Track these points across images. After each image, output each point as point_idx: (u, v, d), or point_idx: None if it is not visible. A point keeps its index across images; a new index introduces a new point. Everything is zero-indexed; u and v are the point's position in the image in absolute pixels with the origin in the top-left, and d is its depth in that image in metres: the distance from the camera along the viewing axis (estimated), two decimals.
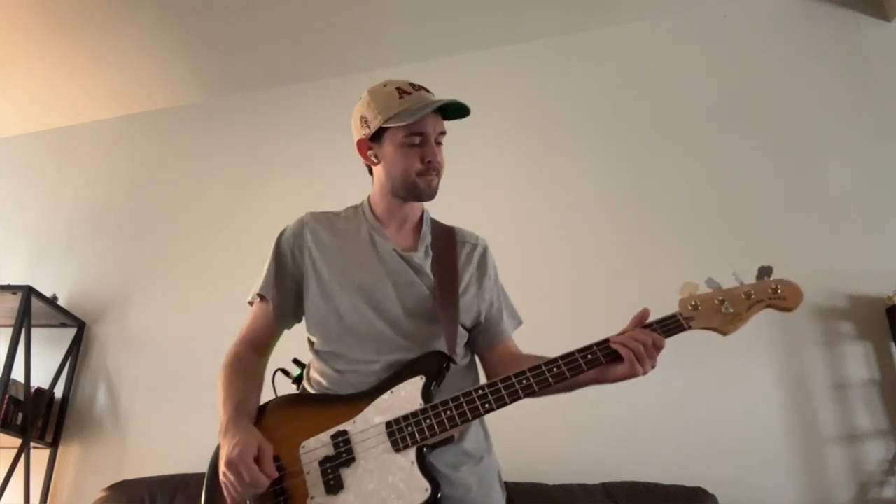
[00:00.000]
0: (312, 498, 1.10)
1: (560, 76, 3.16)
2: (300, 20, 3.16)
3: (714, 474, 2.25)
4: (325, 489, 1.10)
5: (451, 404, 1.13)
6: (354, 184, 3.17)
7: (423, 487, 1.07)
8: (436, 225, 1.43)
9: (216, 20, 3.16)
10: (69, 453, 2.98)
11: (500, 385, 1.14)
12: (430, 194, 1.33)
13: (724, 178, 2.76)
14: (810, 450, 2.30)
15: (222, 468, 1.10)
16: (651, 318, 1.18)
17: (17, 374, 2.84)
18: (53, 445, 2.96)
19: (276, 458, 1.13)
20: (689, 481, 2.21)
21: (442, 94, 1.35)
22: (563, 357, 1.16)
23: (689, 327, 1.16)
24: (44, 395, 2.98)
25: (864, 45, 2.81)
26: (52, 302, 3.08)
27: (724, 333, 1.17)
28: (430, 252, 1.35)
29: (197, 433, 2.92)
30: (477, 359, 1.41)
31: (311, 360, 1.35)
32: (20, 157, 3.80)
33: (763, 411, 2.37)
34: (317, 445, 1.14)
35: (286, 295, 1.36)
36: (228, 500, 1.10)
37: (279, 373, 1.37)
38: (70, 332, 3.18)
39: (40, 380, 3.01)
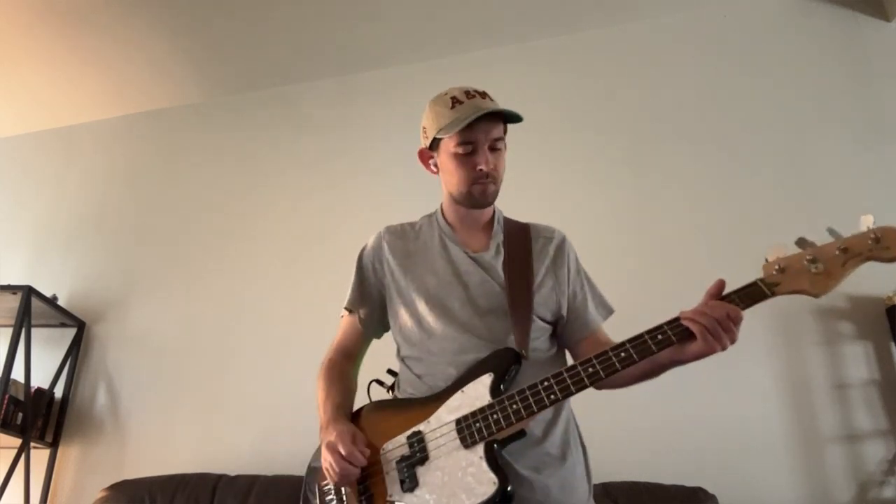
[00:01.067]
0: (391, 496, 1.16)
1: (559, 76, 3.16)
2: (300, 20, 3.16)
3: (714, 474, 2.25)
4: (400, 487, 1.16)
5: (517, 397, 1.13)
6: (354, 183, 3.19)
7: (490, 481, 1.08)
8: (509, 223, 1.46)
9: (215, 20, 3.16)
10: (69, 453, 2.98)
11: (565, 374, 1.13)
12: (486, 201, 1.36)
13: (724, 178, 2.76)
14: (810, 450, 2.30)
15: (324, 452, 1.19)
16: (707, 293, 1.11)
17: (17, 374, 2.84)
18: (53, 445, 2.96)
19: None
20: (689, 481, 2.21)
21: None
22: (630, 340, 1.11)
23: (773, 293, 1.07)
24: (44, 395, 2.98)
25: (864, 45, 2.81)
26: (52, 302, 3.08)
27: (815, 295, 1.06)
28: (503, 250, 1.37)
29: (197, 433, 2.94)
30: (567, 353, 1.41)
31: (399, 367, 1.40)
32: (20, 157, 3.80)
33: (763, 411, 2.37)
34: (395, 446, 1.20)
35: (372, 306, 1.44)
36: (330, 480, 1.19)
37: (374, 383, 1.42)
38: (70, 332, 3.18)
39: (40, 380, 3.01)
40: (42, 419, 2.95)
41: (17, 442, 2.80)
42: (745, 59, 2.94)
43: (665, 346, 1.09)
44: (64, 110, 3.71)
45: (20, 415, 2.82)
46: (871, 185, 2.59)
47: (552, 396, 1.12)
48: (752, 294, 1.08)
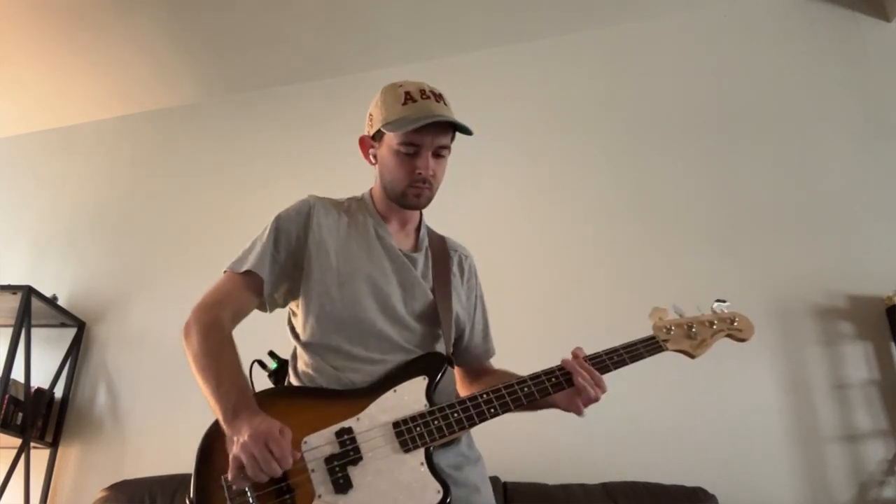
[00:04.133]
0: (320, 497, 1.07)
1: (559, 76, 3.15)
2: (300, 20, 3.16)
3: (714, 474, 2.25)
4: (333, 488, 1.07)
5: (458, 407, 1.15)
6: (354, 184, 3.18)
7: (435, 489, 1.08)
8: (430, 231, 1.44)
9: (216, 20, 3.17)
10: (69, 453, 2.98)
11: (504, 391, 1.17)
12: (418, 205, 1.30)
13: (725, 178, 2.76)
14: (810, 450, 2.30)
15: (244, 440, 1.02)
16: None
17: (17, 374, 2.84)
18: (53, 445, 2.96)
19: None
20: (689, 481, 2.21)
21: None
22: (560, 367, 1.21)
23: (666, 349, 1.27)
24: (44, 395, 2.98)
25: (864, 45, 2.81)
26: (52, 302, 3.08)
27: (692, 357, 1.29)
28: (430, 255, 1.36)
29: (197, 433, 2.92)
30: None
31: (299, 352, 1.28)
32: (21, 156, 3.81)
33: (763, 411, 2.37)
34: (320, 442, 1.11)
35: (281, 275, 1.28)
36: (247, 473, 1.02)
37: (256, 364, 1.30)
38: (70, 332, 3.18)
39: (40, 380, 3.01)
40: (42, 419, 2.95)
41: (17, 442, 2.80)
42: (744, 59, 2.94)
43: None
44: (65, 110, 3.71)
45: (20, 415, 2.82)
46: (871, 184, 2.59)
47: (492, 410, 1.16)
48: (652, 346, 1.27)
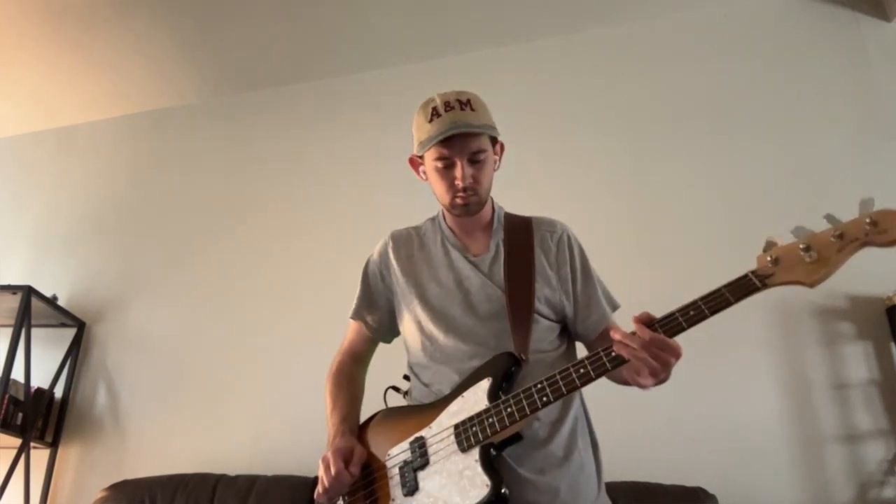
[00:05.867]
0: (393, 500, 1.20)
1: (560, 76, 3.15)
2: (299, 20, 3.16)
3: (714, 474, 2.25)
4: (402, 491, 1.19)
5: (511, 400, 1.14)
6: (353, 184, 3.19)
7: (483, 483, 1.09)
8: (511, 219, 1.45)
9: (215, 20, 3.16)
10: (69, 453, 2.98)
11: (557, 376, 1.12)
12: (468, 213, 1.35)
13: (724, 178, 2.76)
14: (810, 450, 2.30)
15: (320, 464, 1.23)
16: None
17: (17, 374, 2.84)
18: (53, 445, 2.96)
19: (367, 465, 1.27)
20: (689, 481, 2.21)
21: None
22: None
23: (765, 286, 1.01)
24: (44, 395, 2.98)
25: (864, 45, 2.81)
26: (52, 302, 3.08)
27: (809, 285, 0.99)
28: (503, 249, 1.37)
29: (197, 433, 2.94)
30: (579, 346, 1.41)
31: (410, 374, 1.42)
32: (20, 157, 3.80)
33: (763, 411, 2.37)
34: (399, 451, 1.24)
35: (380, 313, 1.46)
36: (319, 488, 1.22)
37: (391, 390, 1.42)
38: (70, 332, 3.18)
39: (40, 380, 3.01)
40: (42, 419, 2.95)
41: (17, 442, 2.80)
42: (744, 59, 2.94)
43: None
44: (64, 110, 3.71)
45: (20, 415, 2.81)
46: (871, 184, 2.59)
47: (544, 399, 1.12)
48: (741, 286, 1.02)
